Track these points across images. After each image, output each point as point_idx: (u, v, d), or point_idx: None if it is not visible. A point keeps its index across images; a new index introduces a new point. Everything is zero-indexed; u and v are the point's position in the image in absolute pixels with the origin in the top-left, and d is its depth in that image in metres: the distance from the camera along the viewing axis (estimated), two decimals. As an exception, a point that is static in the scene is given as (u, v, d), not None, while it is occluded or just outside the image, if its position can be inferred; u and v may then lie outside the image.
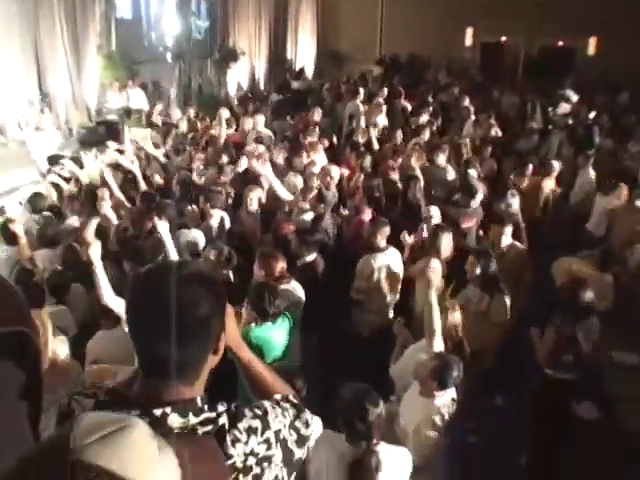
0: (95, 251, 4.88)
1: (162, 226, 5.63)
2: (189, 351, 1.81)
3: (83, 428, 1.32)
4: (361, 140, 11.22)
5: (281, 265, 5.68)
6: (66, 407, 1.95)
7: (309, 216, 7.62)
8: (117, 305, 4.81)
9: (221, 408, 1.85)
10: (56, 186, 9.35)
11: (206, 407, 1.84)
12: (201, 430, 1.78)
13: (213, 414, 1.83)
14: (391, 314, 6.89)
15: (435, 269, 6.35)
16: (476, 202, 8.12)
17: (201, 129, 12.64)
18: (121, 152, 9.86)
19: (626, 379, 5.98)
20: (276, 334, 5.07)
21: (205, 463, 1.58)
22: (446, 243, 6.70)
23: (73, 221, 7.67)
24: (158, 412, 1.75)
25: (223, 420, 1.81)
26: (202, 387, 1.91)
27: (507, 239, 7.12)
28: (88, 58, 17.27)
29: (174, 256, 5.58)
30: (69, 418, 1.86)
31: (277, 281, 5.54)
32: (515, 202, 8.17)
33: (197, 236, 6.94)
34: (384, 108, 13.93)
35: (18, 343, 1.78)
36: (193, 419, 1.78)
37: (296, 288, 5.76)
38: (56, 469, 1.26)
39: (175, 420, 1.75)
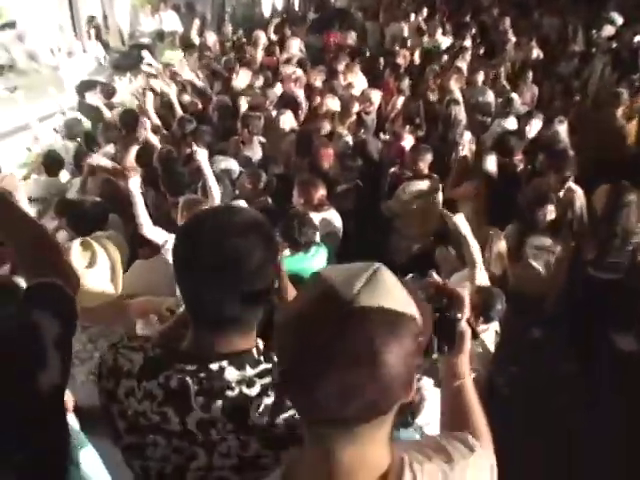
0: (134, 183, 4.78)
1: (201, 154, 5.49)
2: (244, 302, 1.71)
3: (339, 276, 1.31)
4: (400, 62, 10.88)
5: (321, 192, 5.52)
6: (112, 362, 1.86)
7: (348, 139, 7.47)
8: (157, 236, 4.73)
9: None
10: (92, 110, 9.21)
11: (262, 358, 1.78)
12: (259, 382, 1.72)
13: (269, 365, 1.76)
14: (430, 240, 6.74)
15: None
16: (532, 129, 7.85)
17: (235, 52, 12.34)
18: (155, 76, 9.68)
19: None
20: (310, 265, 4.97)
21: None
22: (491, 166, 6.52)
23: (109, 149, 7.54)
24: (215, 366, 1.71)
25: None
26: (255, 336, 1.84)
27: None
28: (119, -20, 17.01)
29: (213, 184, 5.44)
30: (116, 373, 1.80)
31: (316, 209, 5.42)
32: (563, 130, 7.73)
33: (231, 164, 6.72)
34: (424, 29, 13.59)
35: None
36: (250, 371, 1.73)
37: (334, 218, 5.63)
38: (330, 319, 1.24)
39: (232, 373, 1.71)
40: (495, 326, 4.46)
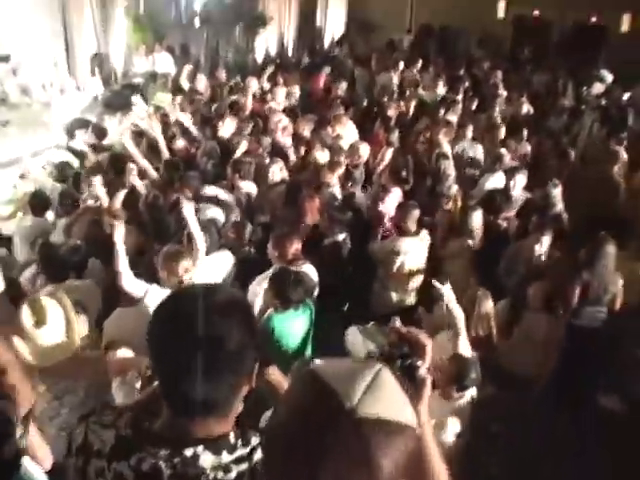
0: (119, 233, 4.74)
1: (187, 207, 5.42)
2: (221, 388, 1.67)
3: (339, 378, 1.30)
4: (391, 114, 10.94)
5: (295, 247, 5.50)
6: (82, 440, 1.80)
7: (336, 190, 7.48)
8: (136, 288, 4.67)
9: (254, 440, 1.72)
10: (78, 153, 9.20)
11: (239, 442, 1.72)
12: (235, 469, 1.66)
13: (247, 450, 1.70)
14: (413, 297, 6.72)
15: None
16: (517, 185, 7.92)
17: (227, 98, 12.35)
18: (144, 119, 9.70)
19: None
20: (297, 323, 4.95)
21: None
22: (477, 223, 6.53)
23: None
24: (189, 452, 1.65)
25: (257, 456, 1.68)
26: (234, 418, 1.78)
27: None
28: (115, 19, 17.09)
29: (198, 236, 5.38)
30: (86, 451, 1.75)
31: (290, 263, 5.39)
32: (557, 193, 7.71)
33: (217, 213, 6.66)
34: (419, 81, 13.75)
35: None
36: (226, 457, 1.67)
37: (309, 272, 5.55)
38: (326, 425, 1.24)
39: (207, 459, 1.64)
40: (472, 392, 4.41)
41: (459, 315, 4.61)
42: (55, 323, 3.77)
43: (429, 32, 22.25)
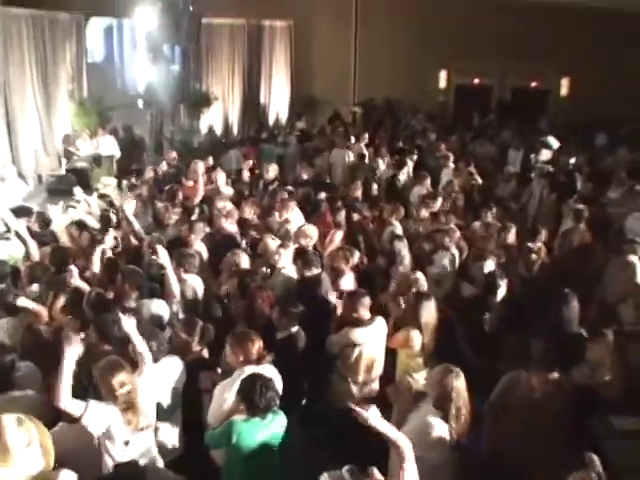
0: (71, 353, 4.41)
1: (127, 323, 5.09)
2: None
3: None
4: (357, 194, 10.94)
5: (258, 345, 5.23)
6: None
7: (291, 271, 7.30)
8: (73, 408, 4.33)
9: None
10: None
11: None
12: None
13: None
14: (376, 386, 6.51)
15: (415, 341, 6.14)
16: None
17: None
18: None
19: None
20: (263, 433, 4.71)
21: None
22: (429, 313, 6.34)
23: (34, 288, 7.12)
24: None
25: None
26: None
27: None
28: (59, 103, 16.98)
29: (143, 349, 5.01)
30: None
31: (257, 363, 5.15)
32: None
33: (160, 308, 6.37)
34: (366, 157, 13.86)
35: None
36: None
37: (271, 372, 5.26)
38: None
39: None
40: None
41: (395, 437, 3.94)
42: (36, 444, 3.67)
43: (373, 105, 22.47)
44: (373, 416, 3.91)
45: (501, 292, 6.86)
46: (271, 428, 4.75)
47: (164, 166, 13.16)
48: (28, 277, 7.27)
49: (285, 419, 4.88)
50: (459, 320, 6.84)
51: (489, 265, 7.52)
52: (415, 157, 14.07)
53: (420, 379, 6.00)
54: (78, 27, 17.50)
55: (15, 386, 5.09)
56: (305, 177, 12.67)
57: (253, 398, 4.58)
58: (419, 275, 7.21)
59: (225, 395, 4.91)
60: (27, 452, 3.57)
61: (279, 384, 5.18)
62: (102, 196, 10.27)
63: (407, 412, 5.09)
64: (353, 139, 15.86)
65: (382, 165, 13.88)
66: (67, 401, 4.30)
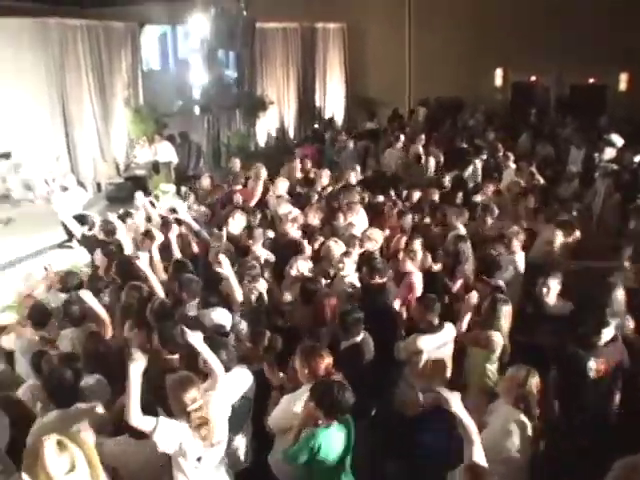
0: (136, 369, 4.25)
1: (194, 338, 4.90)
2: None
3: None
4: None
5: (327, 361, 5.03)
6: None
7: (353, 278, 7.13)
8: (145, 424, 4.22)
9: None
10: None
11: None
12: None
13: None
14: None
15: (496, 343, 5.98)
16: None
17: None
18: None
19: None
20: (342, 439, 4.63)
21: None
22: (506, 318, 6.14)
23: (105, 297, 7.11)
24: None
25: None
26: None
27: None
28: (115, 111, 17.19)
29: (212, 362, 4.84)
30: None
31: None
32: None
33: (221, 316, 6.18)
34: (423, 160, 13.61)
35: None
36: None
37: None
38: None
39: None
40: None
41: (469, 423, 4.11)
42: (82, 470, 3.55)
43: (428, 105, 22.24)
44: (456, 402, 4.07)
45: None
46: (346, 432, 4.65)
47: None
48: (92, 286, 7.24)
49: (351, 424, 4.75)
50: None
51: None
52: (484, 157, 13.76)
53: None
54: (133, 35, 17.73)
55: (83, 398, 5.04)
56: (360, 178, 12.46)
57: (332, 402, 4.46)
58: (499, 282, 7.03)
59: (293, 407, 4.77)
60: (70, 478, 3.46)
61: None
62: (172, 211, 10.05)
63: (481, 415, 5.00)
64: (403, 137, 15.51)
65: (432, 165, 13.64)
66: (138, 418, 4.19)
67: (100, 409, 4.89)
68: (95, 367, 5.58)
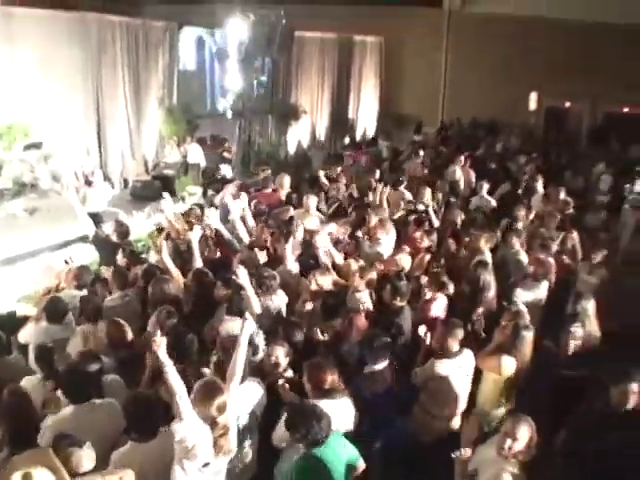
0: (172, 373, 4.20)
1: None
2: None
3: None
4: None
5: (331, 377, 4.97)
6: None
7: (365, 296, 7.02)
8: (191, 435, 4.16)
9: None
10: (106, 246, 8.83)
11: None
12: None
13: None
14: (458, 422, 6.17)
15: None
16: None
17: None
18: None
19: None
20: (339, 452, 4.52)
21: None
22: (526, 346, 6.05)
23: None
24: None
25: None
26: None
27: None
28: (148, 109, 17.23)
29: (240, 360, 4.89)
30: None
31: (325, 395, 4.91)
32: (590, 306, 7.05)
33: (237, 327, 6.12)
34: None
35: None
36: None
37: (345, 406, 5.05)
38: None
39: None
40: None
41: None
42: None
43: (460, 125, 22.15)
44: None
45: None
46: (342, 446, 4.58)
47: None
48: (116, 284, 7.23)
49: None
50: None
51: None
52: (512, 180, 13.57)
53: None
54: (171, 36, 17.82)
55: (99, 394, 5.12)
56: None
57: (297, 430, 4.39)
58: (522, 308, 6.88)
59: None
60: None
61: (351, 419, 5.05)
62: (191, 210, 9.94)
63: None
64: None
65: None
66: (188, 427, 4.14)
67: (115, 405, 4.91)
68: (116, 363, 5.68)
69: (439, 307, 7.22)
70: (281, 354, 5.51)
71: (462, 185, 13.05)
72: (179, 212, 9.67)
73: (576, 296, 7.14)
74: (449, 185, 12.68)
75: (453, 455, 4.56)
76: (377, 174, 12.52)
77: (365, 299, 7.00)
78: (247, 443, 5.08)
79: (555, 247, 8.86)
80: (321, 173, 12.21)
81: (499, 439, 4.58)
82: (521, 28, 20.65)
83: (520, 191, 12.72)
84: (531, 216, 10.61)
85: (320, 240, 7.78)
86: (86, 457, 4.07)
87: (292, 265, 7.73)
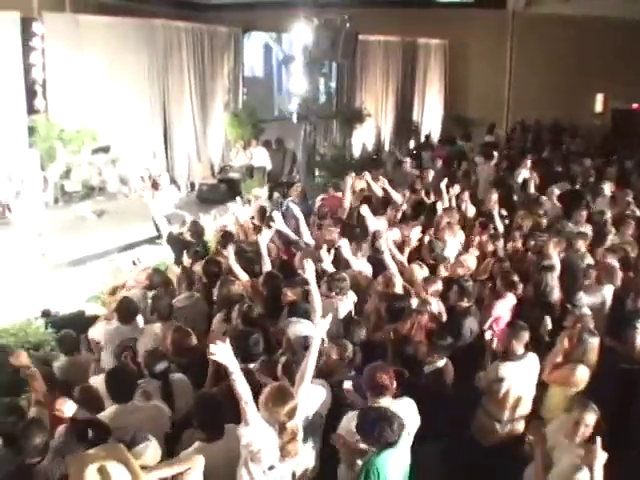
0: (239, 379, 4.16)
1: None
2: None
3: None
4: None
5: (388, 379, 4.87)
6: None
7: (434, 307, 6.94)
8: (256, 440, 4.19)
9: None
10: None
11: None
12: None
13: None
14: (522, 426, 6.07)
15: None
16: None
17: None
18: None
19: None
20: (397, 458, 4.46)
21: None
22: (592, 352, 5.92)
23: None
24: None
25: None
26: None
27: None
28: (214, 113, 17.44)
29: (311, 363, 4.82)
30: None
31: (377, 396, 4.84)
32: None
33: (306, 327, 6.03)
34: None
35: None
36: None
37: (406, 407, 4.97)
38: None
39: None
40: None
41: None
42: None
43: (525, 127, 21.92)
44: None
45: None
46: (403, 450, 4.53)
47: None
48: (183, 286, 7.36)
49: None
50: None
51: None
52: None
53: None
54: (236, 41, 18.06)
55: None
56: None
57: (370, 434, 4.35)
58: (587, 311, 6.76)
59: (351, 425, 4.64)
60: None
61: (414, 419, 4.95)
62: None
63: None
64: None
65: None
66: (254, 433, 4.16)
67: (159, 409, 5.06)
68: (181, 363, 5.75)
69: (505, 307, 7.16)
70: (344, 353, 5.53)
71: (532, 188, 12.78)
72: (246, 215, 9.79)
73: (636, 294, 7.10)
74: (517, 188, 12.57)
75: None
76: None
77: (431, 301, 6.99)
78: (310, 445, 5.09)
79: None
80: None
81: (570, 427, 4.62)
82: (585, 28, 20.39)
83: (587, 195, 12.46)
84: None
85: (385, 243, 7.75)
86: (153, 449, 4.15)
87: (361, 266, 7.74)
